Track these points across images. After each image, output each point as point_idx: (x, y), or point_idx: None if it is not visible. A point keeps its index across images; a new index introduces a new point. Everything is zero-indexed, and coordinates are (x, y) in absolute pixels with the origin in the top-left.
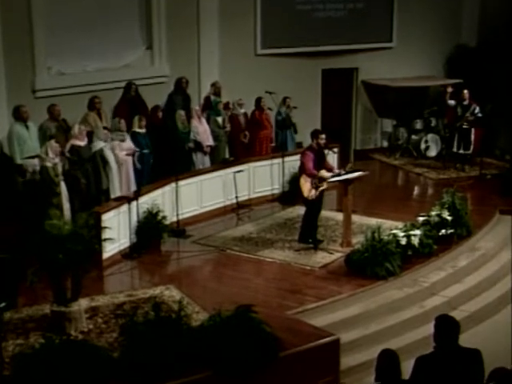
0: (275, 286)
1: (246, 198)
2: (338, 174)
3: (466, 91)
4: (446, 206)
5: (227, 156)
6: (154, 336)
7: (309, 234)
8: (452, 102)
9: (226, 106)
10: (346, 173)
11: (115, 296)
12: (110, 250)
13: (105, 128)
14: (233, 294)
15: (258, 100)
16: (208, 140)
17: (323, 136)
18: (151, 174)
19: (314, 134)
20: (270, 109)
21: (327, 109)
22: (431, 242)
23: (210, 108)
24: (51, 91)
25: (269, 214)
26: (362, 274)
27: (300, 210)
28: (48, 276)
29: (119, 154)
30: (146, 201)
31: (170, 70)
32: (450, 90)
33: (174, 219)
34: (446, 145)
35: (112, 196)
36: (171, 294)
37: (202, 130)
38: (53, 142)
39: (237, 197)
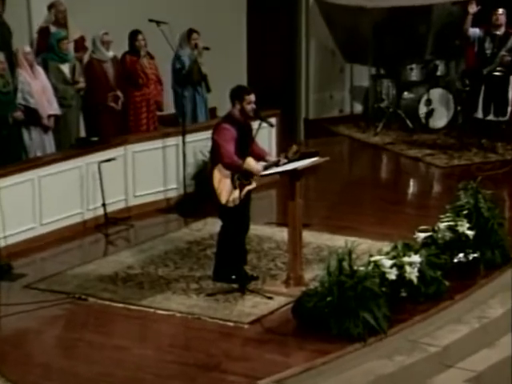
0: (175, 358)
1: (120, 206)
2: (276, 164)
3: (500, 11)
4: (465, 212)
5: (84, 134)
6: None
7: (231, 267)
8: (475, 32)
9: (80, 44)
10: (290, 161)
11: None
12: None
13: None
14: (100, 375)
15: (133, 36)
16: (50, 106)
17: (252, 97)
18: None
19: (237, 95)
20: (149, 54)
21: (258, 51)
22: (440, 276)
23: (49, 49)
24: None
25: (161, 232)
26: (322, 332)
27: (214, 225)
28: None
29: None
30: None
31: None
32: (472, 9)
33: None
34: (463, 107)
35: None
36: None
37: (37, 89)
38: None
39: (104, 204)
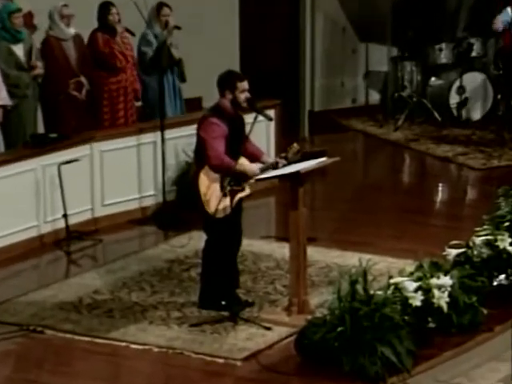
0: None
1: (85, 217)
2: (273, 166)
3: None
4: (506, 224)
5: (42, 130)
6: None
7: (220, 291)
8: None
9: (28, 22)
10: (290, 163)
11: None
12: None
13: None
14: None
15: (105, 9)
16: None
17: (245, 85)
18: None
19: (228, 82)
20: (129, 31)
21: (253, 28)
22: (476, 302)
23: None
24: None
25: (135, 249)
26: (332, 370)
27: (200, 240)
28: None
29: None
30: None
31: None
32: None
33: None
34: (503, 95)
35: None
36: None
37: None
38: None
39: (66, 215)
